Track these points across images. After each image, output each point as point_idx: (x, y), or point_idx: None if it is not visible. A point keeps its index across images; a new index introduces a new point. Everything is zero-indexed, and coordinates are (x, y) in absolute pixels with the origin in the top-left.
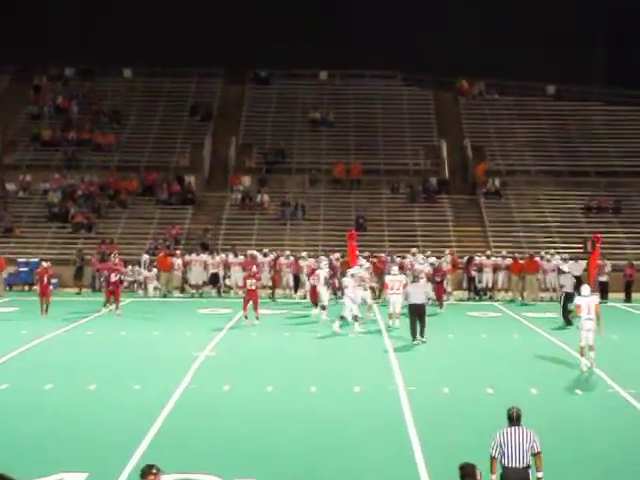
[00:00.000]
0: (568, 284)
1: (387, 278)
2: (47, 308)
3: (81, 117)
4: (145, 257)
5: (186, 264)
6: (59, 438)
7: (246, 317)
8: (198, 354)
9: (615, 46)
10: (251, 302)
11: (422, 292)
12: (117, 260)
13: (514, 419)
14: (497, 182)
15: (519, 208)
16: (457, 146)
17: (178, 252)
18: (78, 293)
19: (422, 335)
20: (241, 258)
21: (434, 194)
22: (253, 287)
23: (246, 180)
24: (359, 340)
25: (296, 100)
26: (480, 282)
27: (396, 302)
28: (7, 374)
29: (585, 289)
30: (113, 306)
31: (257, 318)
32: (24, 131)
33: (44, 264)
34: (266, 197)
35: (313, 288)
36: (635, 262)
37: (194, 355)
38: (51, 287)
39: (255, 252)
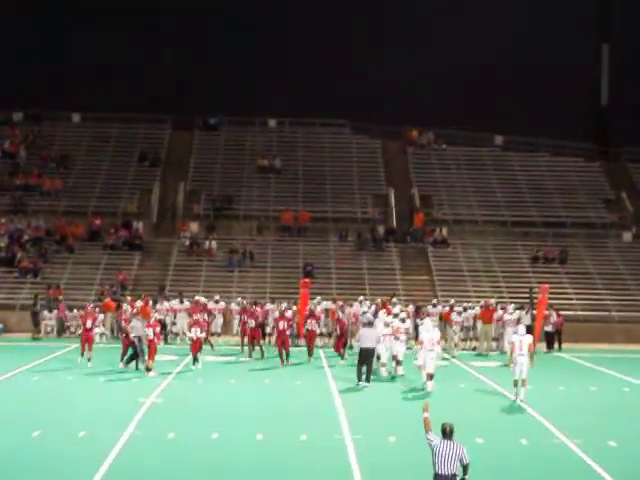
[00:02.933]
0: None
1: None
2: None
3: (29, 162)
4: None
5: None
6: None
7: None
8: (144, 401)
9: (562, 99)
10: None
11: (374, 336)
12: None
13: (447, 433)
14: (444, 231)
15: (466, 257)
16: (405, 195)
17: (129, 299)
18: (36, 339)
19: (367, 380)
20: (187, 304)
21: (382, 242)
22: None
23: (194, 226)
24: (305, 386)
25: (244, 147)
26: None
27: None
28: None
29: (520, 329)
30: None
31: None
32: None
33: None
34: (214, 244)
35: (196, 340)
36: (580, 313)
37: (140, 402)
38: None
39: (203, 298)
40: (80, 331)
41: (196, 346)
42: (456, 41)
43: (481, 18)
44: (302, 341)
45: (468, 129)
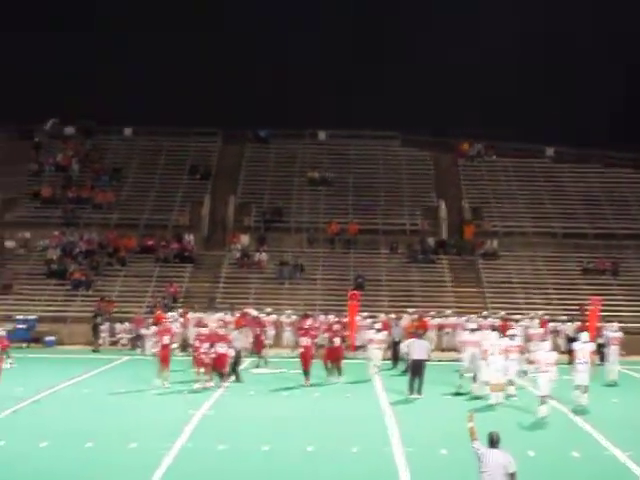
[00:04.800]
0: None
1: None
2: None
3: (81, 175)
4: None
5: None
6: None
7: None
8: (195, 412)
9: (614, 109)
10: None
11: (425, 348)
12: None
13: (494, 442)
14: (495, 243)
15: (517, 269)
16: (455, 207)
17: (180, 310)
18: (95, 350)
19: (419, 392)
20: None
21: (432, 254)
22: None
23: (244, 239)
24: (356, 398)
25: (295, 160)
26: None
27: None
28: (2, 432)
29: (583, 336)
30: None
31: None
32: (24, 189)
33: None
34: (264, 256)
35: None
36: (632, 325)
37: (191, 413)
38: (9, 361)
39: (253, 311)
40: (157, 348)
41: (220, 362)
42: (508, 54)
43: (532, 30)
44: (352, 353)
45: (518, 141)
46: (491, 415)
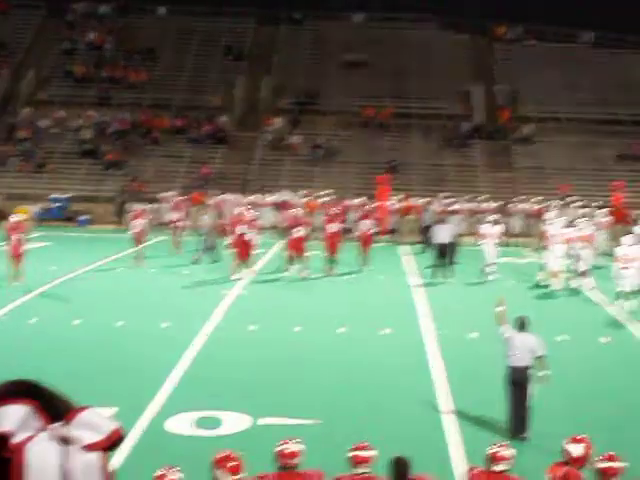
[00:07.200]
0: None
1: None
2: (18, 275)
3: (115, 54)
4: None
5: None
6: (87, 374)
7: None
8: (227, 292)
9: None
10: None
11: (448, 232)
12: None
13: (522, 325)
14: (529, 128)
15: (550, 155)
16: (491, 91)
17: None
18: (119, 230)
19: (450, 276)
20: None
21: (466, 139)
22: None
23: (278, 121)
24: (388, 283)
25: (329, 42)
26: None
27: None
28: (36, 309)
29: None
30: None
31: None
32: (57, 67)
33: (13, 217)
34: (297, 138)
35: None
36: None
37: (223, 294)
38: (22, 248)
39: (287, 194)
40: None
41: (295, 245)
42: None
43: None
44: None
45: (558, 24)
46: (517, 298)
